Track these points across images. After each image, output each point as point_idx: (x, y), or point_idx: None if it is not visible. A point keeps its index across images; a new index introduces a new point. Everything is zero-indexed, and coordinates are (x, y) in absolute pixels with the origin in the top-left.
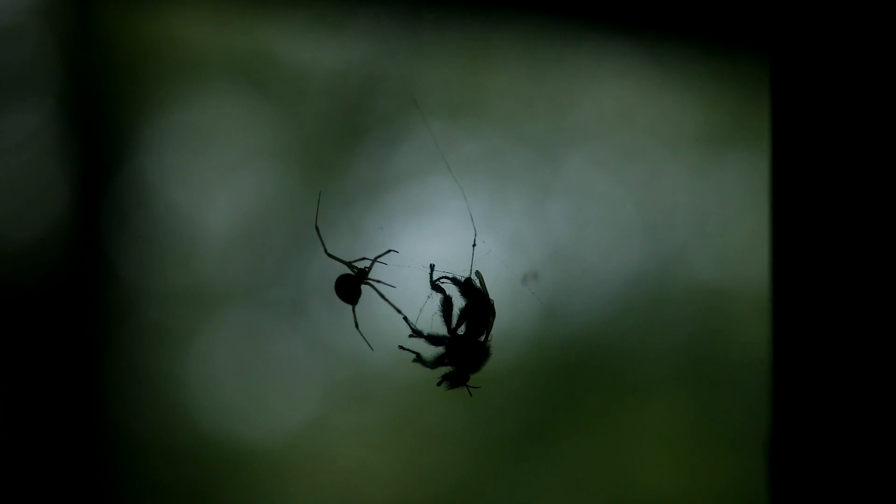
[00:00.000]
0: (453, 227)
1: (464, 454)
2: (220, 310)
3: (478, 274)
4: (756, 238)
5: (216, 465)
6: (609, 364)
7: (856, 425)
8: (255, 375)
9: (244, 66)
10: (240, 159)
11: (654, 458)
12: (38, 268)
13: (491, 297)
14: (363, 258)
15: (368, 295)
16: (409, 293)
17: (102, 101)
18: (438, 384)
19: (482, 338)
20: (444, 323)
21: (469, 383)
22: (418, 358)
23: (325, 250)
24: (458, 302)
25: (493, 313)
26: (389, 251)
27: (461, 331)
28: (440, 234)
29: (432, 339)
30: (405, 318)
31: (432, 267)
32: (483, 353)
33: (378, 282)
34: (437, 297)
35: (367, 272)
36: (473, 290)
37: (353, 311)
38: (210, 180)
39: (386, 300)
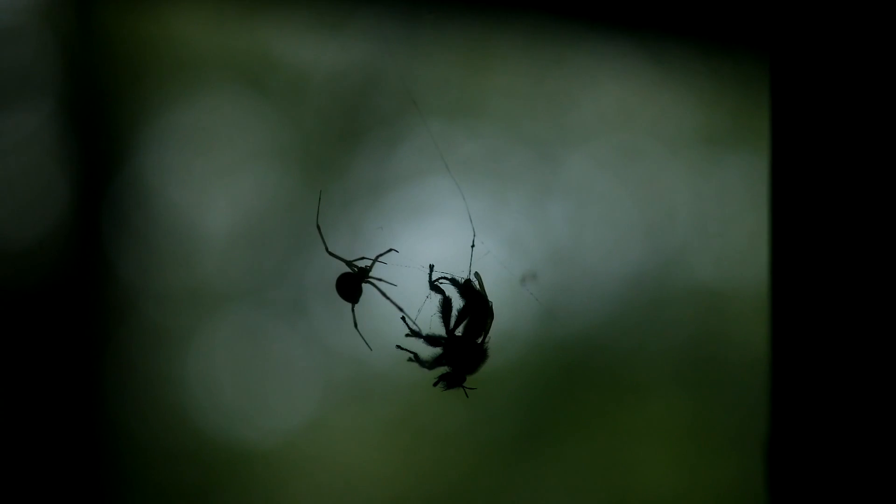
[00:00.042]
0: (452, 228)
1: (463, 454)
2: (219, 310)
3: (477, 275)
4: (755, 238)
5: (215, 465)
6: (608, 364)
7: (854, 425)
8: (254, 376)
9: (244, 66)
10: (240, 159)
11: (653, 458)
12: (38, 268)
13: (490, 298)
14: (363, 257)
15: (367, 295)
16: (407, 293)
17: (102, 102)
18: (434, 384)
19: (480, 339)
20: (442, 323)
21: (466, 384)
22: (415, 358)
23: (327, 249)
24: (457, 303)
25: (492, 315)
26: (390, 250)
27: (459, 332)
28: (439, 235)
29: (430, 340)
30: (404, 318)
31: (431, 267)
32: (480, 354)
33: (379, 280)
34: (436, 297)
35: (368, 271)
36: (472, 292)
37: (353, 310)
38: (210, 180)
39: (388, 298)
